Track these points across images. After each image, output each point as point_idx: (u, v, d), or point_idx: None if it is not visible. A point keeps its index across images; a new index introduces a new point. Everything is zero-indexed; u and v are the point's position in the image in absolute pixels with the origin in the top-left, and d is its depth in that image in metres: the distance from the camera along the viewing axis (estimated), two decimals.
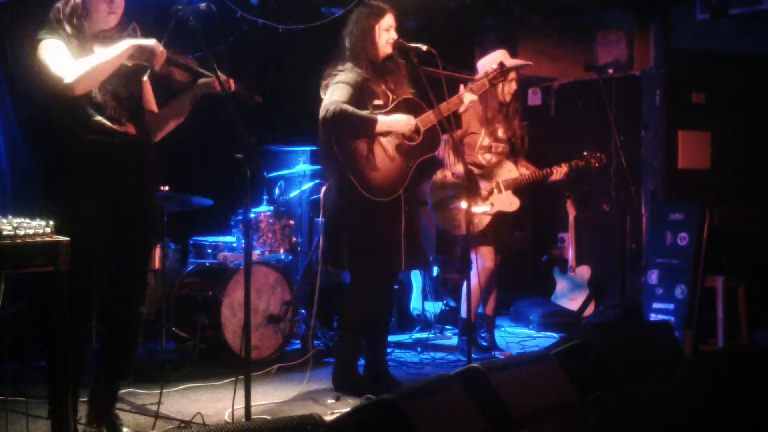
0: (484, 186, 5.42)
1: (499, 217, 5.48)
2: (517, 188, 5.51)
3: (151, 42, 3.41)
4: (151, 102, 3.72)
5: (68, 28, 3.47)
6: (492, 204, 5.46)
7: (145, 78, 3.49)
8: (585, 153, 5.61)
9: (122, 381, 3.81)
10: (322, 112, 4.32)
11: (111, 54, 3.37)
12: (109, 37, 3.50)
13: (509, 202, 5.50)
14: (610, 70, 7.03)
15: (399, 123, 4.40)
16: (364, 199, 4.34)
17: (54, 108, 3.43)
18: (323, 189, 4.71)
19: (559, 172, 5.48)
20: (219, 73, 3.51)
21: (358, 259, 4.49)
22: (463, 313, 5.54)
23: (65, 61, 3.38)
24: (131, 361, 3.79)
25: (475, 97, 4.73)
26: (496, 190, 5.47)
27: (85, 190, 3.48)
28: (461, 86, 4.84)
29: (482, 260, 5.51)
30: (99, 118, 3.46)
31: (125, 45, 3.38)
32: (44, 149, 3.63)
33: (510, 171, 5.50)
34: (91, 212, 3.46)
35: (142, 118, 3.63)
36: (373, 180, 4.37)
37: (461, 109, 4.73)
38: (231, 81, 3.57)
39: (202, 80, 3.61)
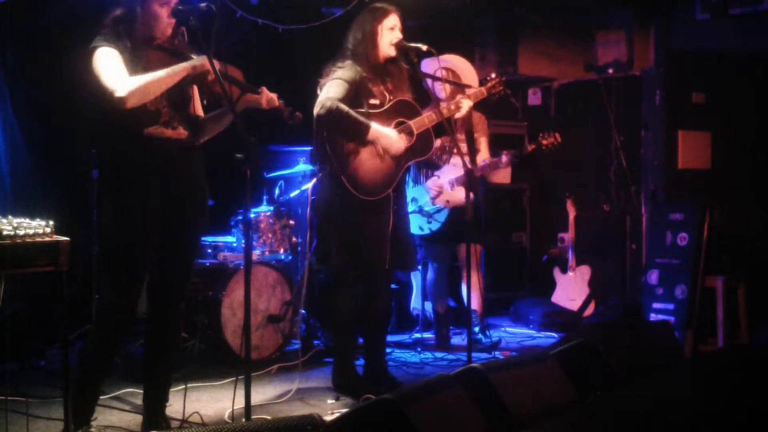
0: (434, 184, 5.56)
1: (456, 212, 5.53)
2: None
3: (203, 63, 3.48)
4: (198, 108, 3.77)
5: (125, 37, 3.51)
6: (447, 201, 5.54)
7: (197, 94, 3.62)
8: (540, 136, 5.46)
9: (169, 381, 3.89)
10: (316, 108, 4.30)
11: (165, 73, 3.46)
12: (162, 45, 3.57)
13: (459, 196, 5.54)
14: (610, 70, 7.03)
15: (389, 139, 4.38)
16: (352, 197, 4.33)
17: (107, 116, 3.49)
18: (311, 183, 4.70)
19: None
20: (265, 90, 3.64)
21: (344, 256, 4.48)
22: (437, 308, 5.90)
23: (118, 72, 3.44)
24: (173, 358, 3.91)
25: (471, 104, 4.74)
26: (448, 187, 5.55)
27: (137, 191, 3.54)
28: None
29: (440, 261, 5.72)
30: (151, 128, 3.53)
31: (180, 67, 3.48)
32: (100, 149, 3.74)
33: (456, 167, 5.53)
34: (141, 213, 3.54)
35: (192, 121, 3.69)
36: (362, 178, 4.36)
37: (458, 115, 4.72)
38: (275, 96, 3.68)
39: (250, 96, 3.68)
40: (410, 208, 5.58)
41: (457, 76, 5.45)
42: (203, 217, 3.84)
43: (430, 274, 5.90)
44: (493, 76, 4.84)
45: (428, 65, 5.37)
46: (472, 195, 5.41)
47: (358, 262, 4.47)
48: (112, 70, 3.43)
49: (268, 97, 3.70)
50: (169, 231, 3.64)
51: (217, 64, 3.47)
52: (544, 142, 5.39)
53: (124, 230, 3.53)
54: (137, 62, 3.50)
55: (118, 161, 3.57)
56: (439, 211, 5.59)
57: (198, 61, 3.51)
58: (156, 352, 3.82)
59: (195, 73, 3.51)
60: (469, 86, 5.10)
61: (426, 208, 5.59)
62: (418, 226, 5.60)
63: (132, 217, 3.53)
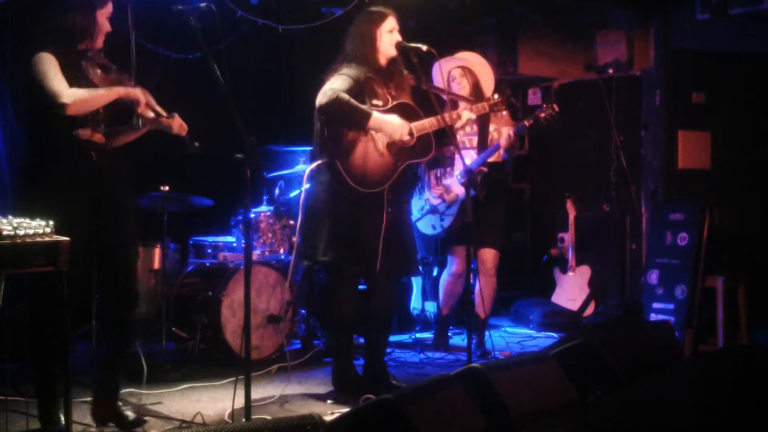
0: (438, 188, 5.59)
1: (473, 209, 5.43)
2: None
3: (137, 92, 3.79)
4: None
5: (66, 45, 3.72)
6: (456, 195, 5.50)
7: (140, 125, 3.89)
8: (538, 110, 5.35)
9: (119, 373, 4.00)
10: (319, 97, 4.29)
11: (105, 92, 3.74)
12: (93, 58, 3.83)
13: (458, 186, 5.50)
14: (610, 70, 7.03)
15: (392, 125, 4.37)
16: (347, 190, 4.31)
17: (41, 116, 3.69)
18: (306, 171, 4.66)
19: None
20: (177, 116, 3.97)
21: (332, 252, 4.44)
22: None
23: (59, 78, 3.63)
24: (125, 354, 4.05)
25: (473, 116, 4.76)
26: (456, 180, 5.53)
27: (65, 189, 3.70)
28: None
29: (456, 261, 5.64)
30: (77, 131, 3.74)
31: (118, 89, 3.78)
32: (31, 148, 3.89)
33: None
34: (71, 212, 3.63)
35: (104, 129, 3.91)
36: (359, 169, 4.33)
37: (458, 125, 4.72)
38: (184, 126, 4.01)
39: (164, 120, 3.94)
40: (425, 207, 5.61)
41: (473, 74, 5.48)
42: (128, 219, 4.00)
43: (444, 274, 5.78)
44: (497, 96, 4.89)
45: (444, 64, 5.36)
46: (465, 189, 5.47)
47: (347, 257, 4.45)
48: (57, 76, 3.62)
49: (179, 123, 3.98)
50: (96, 231, 3.80)
51: (140, 90, 3.79)
52: (542, 114, 5.27)
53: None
54: (73, 71, 3.69)
55: (47, 159, 3.74)
56: (449, 206, 5.55)
57: (133, 91, 3.78)
58: (108, 349, 3.98)
59: (127, 99, 3.78)
60: (470, 99, 5.12)
61: (439, 207, 5.57)
62: (431, 225, 5.60)
63: (61, 213, 3.56)
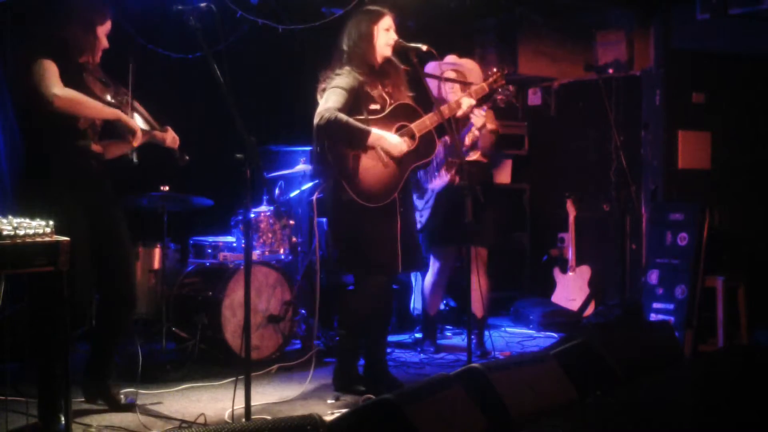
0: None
1: (451, 206, 5.32)
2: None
3: (135, 125, 3.89)
4: None
5: (66, 56, 3.80)
6: (432, 189, 5.45)
7: (136, 162, 4.00)
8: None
9: (111, 354, 4.20)
10: (316, 119, 4.29)
11: (101, 107, 3.85)
12: (93, 71, 3.93)
13: (444, 180, 5.43)
14: (610, 70, 7.02)
15: (390, 143, 4.35)
16: (358, 203, 4.33)
17: (41, 124, 3.79)
18: (317, 191, 4.70)
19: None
20: (170, 129, 4.10)
21: (355, 261, 4.49)
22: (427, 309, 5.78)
23: (57, 79, 3.72)
24: (108, 362, 4.19)
25: (473, 102, 4.69)
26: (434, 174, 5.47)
27: (64, 190, 3.81)
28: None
29: (440, 261, 5.60)
30: (79, 142, 3.88)
31: (118, 113, 3.88)
32: (30, 149, 3.98)
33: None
34: (71, 212, 3.75)
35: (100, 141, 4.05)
36: (365, 186, 4.34)
37: (459, 113, 4.68)
38: (177, 139, 4.14)
39: (157, 133, 4.07)
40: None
41: (464, 77, 5.42)
42: (124, 222, 4.12)
43: (429, 276, 5.74)
44: (495, 70, 4.82)
45: (434, 69, 5.33)
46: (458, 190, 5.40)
47: (368, 266, 4.46)
48: (55, 77, 3.71)
49: (171, 136, 4.12)
50: (96, 232, 3.91)
51: (134, 103, 3.93)
52: (499, 97, 5.04)
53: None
54: (76, 82, 3.78)
55: (46, 161, 3.83)
56: (427, 201, 5.52)
57: (134, 123, 3.89)
58: (94, 354, 4.14)
59: (123, 126, 3.88)
60: (467, 82, 5.10)
61: (417, 204, 5.50)
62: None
63: (61, 213, 3.60)
